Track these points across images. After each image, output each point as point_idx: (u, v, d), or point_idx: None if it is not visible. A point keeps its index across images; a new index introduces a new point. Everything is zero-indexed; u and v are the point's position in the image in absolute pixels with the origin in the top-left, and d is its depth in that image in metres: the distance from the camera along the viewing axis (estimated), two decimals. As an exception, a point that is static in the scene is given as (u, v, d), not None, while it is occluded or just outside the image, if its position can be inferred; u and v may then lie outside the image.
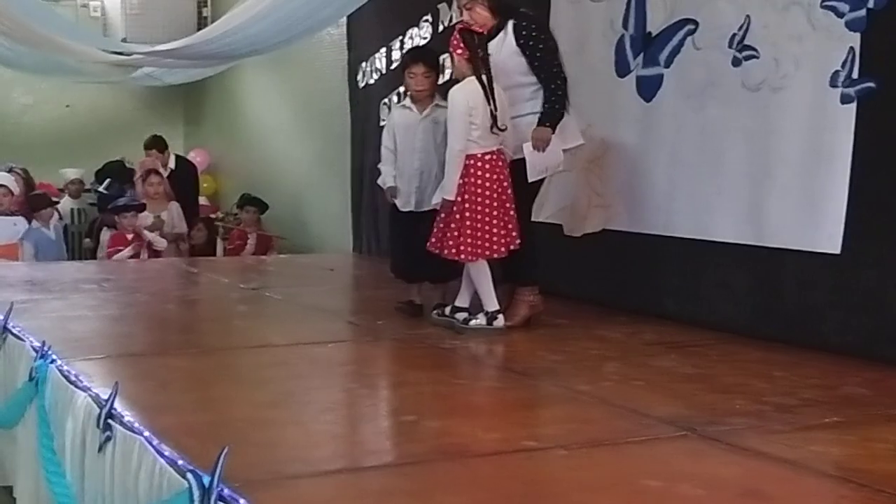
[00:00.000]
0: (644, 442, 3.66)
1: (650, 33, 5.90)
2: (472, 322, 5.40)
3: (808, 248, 5.04)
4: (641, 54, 5.95)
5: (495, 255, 5.30)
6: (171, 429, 3.49)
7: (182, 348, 5.14)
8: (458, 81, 5.36)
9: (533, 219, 5.76)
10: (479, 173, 5.23)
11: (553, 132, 5.30)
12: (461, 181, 5.23)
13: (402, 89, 6.63)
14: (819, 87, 5.00)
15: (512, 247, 5.30)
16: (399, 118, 5.83)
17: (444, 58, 6.17)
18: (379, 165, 5.92)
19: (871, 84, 4.79)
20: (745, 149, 5.38)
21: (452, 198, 5.24)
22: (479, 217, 5.23)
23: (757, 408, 4.05)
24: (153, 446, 3.20)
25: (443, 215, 5.32)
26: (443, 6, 7.76)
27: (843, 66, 4.89)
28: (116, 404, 3.60)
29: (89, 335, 5.33)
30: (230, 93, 12.28)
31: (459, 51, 5.32)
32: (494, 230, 5.25)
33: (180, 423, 3.68)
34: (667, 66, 5.80)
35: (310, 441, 3.69)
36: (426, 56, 5.86)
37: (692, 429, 3.76)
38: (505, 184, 5.28)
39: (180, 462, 3.04)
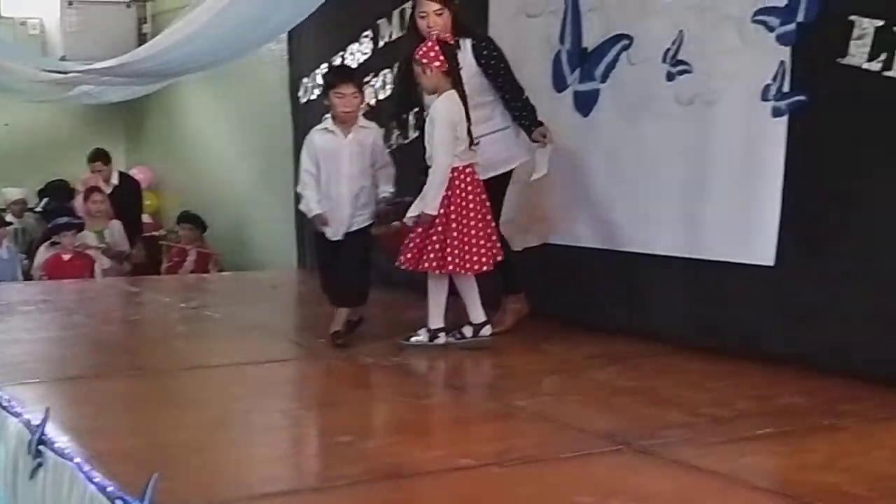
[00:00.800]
0: (579, 457, 3.68)
1: (586, 49, 5.94)
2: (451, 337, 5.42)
3: (744, 261, 5.09)
4: (578, 69, 5.98)
5: (485, 268, 5.25)
6: (106, 454, 3.46)
7: (119, 371, 5.09)
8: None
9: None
10: (464, 186, 5.20)
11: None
12: (446, 193, 5.16)
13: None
14: (751, 100, 5.06)
15: (498, 258, 5.30)
16: (321, 142, 5.49)
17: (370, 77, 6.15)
18: (299, 189, 5.62)
19: (802, 97, 4.86)
20: (680, 162, 5.43)
21: (435, 212, 5.16)
22: (465, 230, 5.17)
23: (692, 420, 4.09)
24: (83, 472, 3.17)
25: (420, 230, 5.20)
26: (383, 21, 7.76)
27: (774, 79, 4.96)
28: (50, 430, 3.56)
29: (24, 359, 5.26)
30: (171, 109, 12.19)
31: (438, 63, 5.19)
32: (482, 242, 5.21)
33: (115, 448, 3.65)
34: (603, 80, 5.84)
35: (246, 464, 3.67)
36: (354, 75, 5.71)
37: (627, 443, 3.79)
38: (484, 196, 5.28)
39: (110, 489, 3.01)
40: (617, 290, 5.81)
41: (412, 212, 5.27)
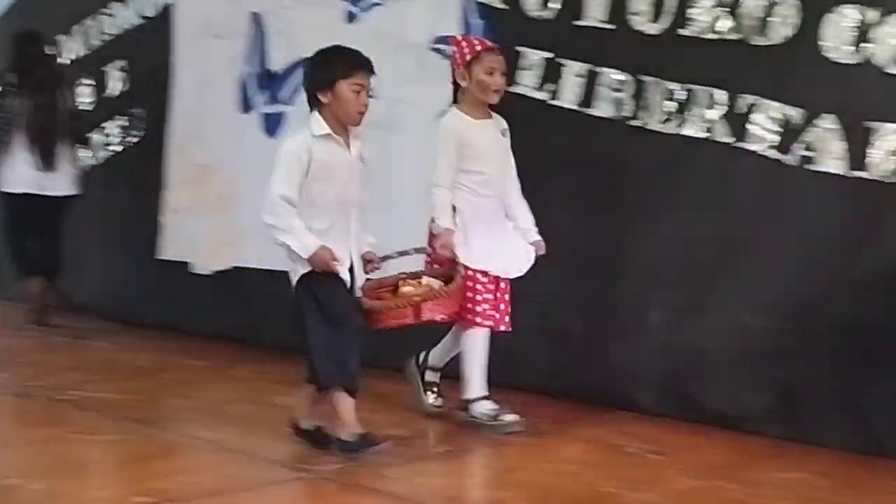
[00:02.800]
0: (259, 487, 3.66)
1: (272, 71, 5.94)
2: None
3: (426, 282, 5.21)
4: (264, 91, 5.97)
5: None
6: None
7: None
8: None
9: (160, 257, 5.63)
10: None
11: None
12: None
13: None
14: (431, 126, 5.17)
15: None
16: (320, 154, 4.02)
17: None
18: (270, 221, 4.01)
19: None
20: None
21: None
22: None
23: (375, 442, 4.14)
24: None
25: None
26: None
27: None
28: None
29: None
30: None
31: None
32: None
33: None
34: (289, 103, 5.86)
35: None
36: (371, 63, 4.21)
37: (307, 469, 3.80)
38: None
39: None
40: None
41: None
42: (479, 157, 4.42)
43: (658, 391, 4.45)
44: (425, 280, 4.37)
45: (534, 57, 4.89)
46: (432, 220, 4.44)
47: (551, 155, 4.79)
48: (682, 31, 4.49)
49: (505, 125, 4.51)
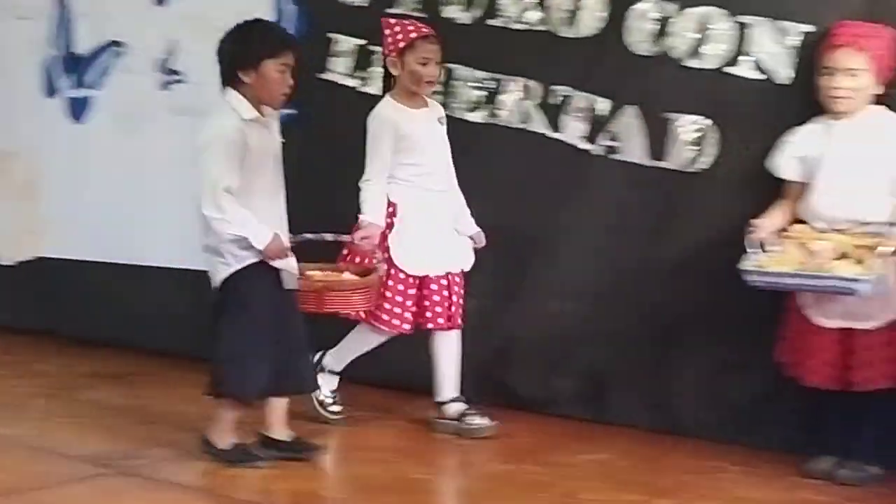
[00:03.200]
0: (59, 485, 3.57)
1: (78, 54, 5.74)
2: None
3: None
4: (70, 75, 5.77)
5: None
6: None
7: None
8: None
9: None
10: None
11: None
12: None
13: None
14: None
15: None
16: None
17: None
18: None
19: (291, 111, 4.95)
20: (176, 172, 5.37)
21: None
22: None
23: (181, 436, 4.06)
24: None
25: None
26: None
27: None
28: None
29: None
30: None
31: None
32: None
33: None
34: (96, 87, 5.67)
35: None
36: None
37: (111, 465, 3.70)
38: None
39: None
40: (115, 304, 5.63)
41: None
42: (416, 148, 4.22)
43: (473, 378, 4.50)
44: (345, 274, 4.13)
45: (346, 44, 4.88)
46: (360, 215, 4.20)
47: (362, 142, 4.78)
48: (491, 22, 4.54)
49: (442, 112, 4.35)
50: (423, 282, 4.22)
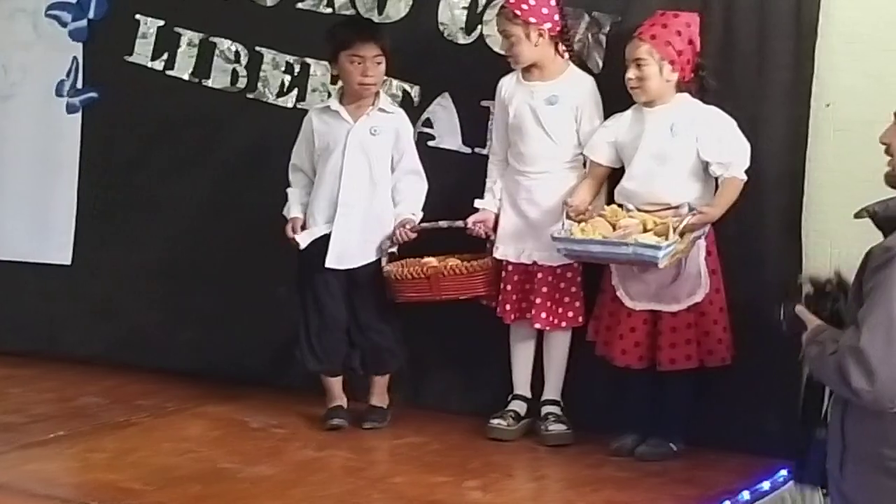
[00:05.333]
0: None
1: None
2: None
3: (42, 260, 4.98)
4: None
5: None
6: None
7: None
8: None
9: None
10: None
11: None
12: None
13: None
14: (46, 96, 4.98)
15: None
16: (320, 127, 4.17)
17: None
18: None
19: (94, 94, 4.90)
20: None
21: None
22: None
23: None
24: None
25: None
26: None
27: (67, 75, 4.94)
28: None
29: None
30: None
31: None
32: None
33: None
34: None
35: None
36: (379, 32, 4.17)
37: None
38: None
39: None
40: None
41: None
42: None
43: (281, 364, 4.45)
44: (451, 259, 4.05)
45: (149, 25, 4.75)
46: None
47: (166, 126, 4.69)
48: (299, 5, 4.48)
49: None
50: None
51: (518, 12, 3.89)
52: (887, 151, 2.79)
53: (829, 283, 2.81)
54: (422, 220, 4.12)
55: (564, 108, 3.96)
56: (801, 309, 2.78)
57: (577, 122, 3.97)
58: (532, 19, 3.88)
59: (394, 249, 4.11)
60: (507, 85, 4.06)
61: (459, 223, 4.06)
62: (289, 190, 4.21)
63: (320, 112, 4.19)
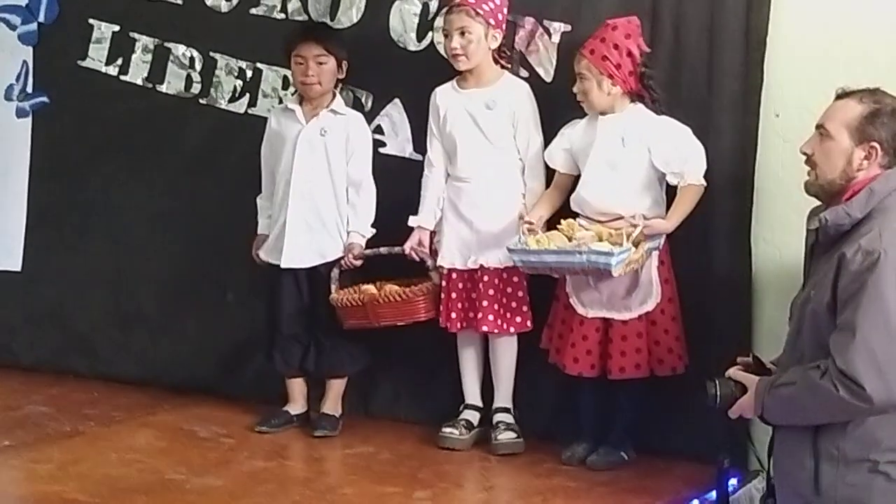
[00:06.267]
0: None
1: None
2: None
3: (-8, 267, 4.93)
4: None
5: None
6: None
7: None
8: None
9: None
10: None
11: None
12: None
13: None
14: (-7, 96, 4.94)
15: None
16: (275, 125, 4.22)
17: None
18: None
19: (45, 98, 4.86)
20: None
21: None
22: None
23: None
24: None
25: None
26: None
27: (17, 79, 4.89)
28: None
29: None
30: None
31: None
32: None
33: None
34: None
35: None
36: (323, 34, 4.20)
37: None
38: None
39: None
40: None
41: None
42: None
43: (231, 372, 4.41)
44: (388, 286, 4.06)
45: (103, 30, 4.70)
46: None
47: (117, 132, 4.65)
48: (253, 10, 4.44)
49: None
50: None
51: (480, 11, 3.89)
52: (807, 162, 2.83)
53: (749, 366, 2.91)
54: (369, 241, 4.11)
55: (501, 113, 3.97)
56: (733, 371, 2.84)
57: (513, 128, 3.97)
58: (491, 21, 3.89)
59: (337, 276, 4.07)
60: (442, 94, 4.06)
61: (398, 249, 4.05)
62: (258, 199, 4.24)
63: (279, 112, 4.23)
